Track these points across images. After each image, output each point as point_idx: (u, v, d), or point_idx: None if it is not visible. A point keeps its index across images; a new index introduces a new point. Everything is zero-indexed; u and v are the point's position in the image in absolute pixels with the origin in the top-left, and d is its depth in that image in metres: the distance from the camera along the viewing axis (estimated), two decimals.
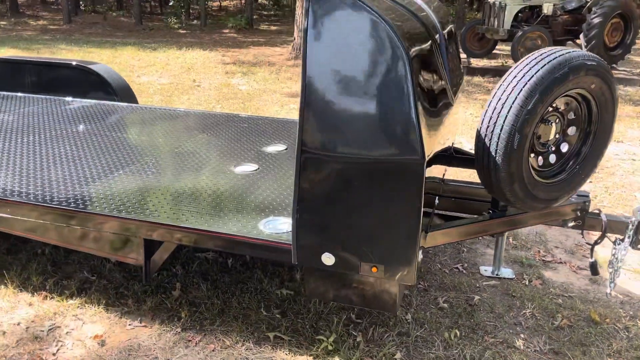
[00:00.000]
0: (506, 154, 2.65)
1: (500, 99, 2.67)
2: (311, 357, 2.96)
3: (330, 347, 3.01)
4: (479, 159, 2.79)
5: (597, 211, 3.40)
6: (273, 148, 4.26)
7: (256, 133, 4.65)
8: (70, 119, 4.82)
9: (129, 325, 3.17)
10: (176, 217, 2.94)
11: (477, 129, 2.78)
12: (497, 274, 3.82)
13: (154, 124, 4.78)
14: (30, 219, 3.11)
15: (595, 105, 2.87)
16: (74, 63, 5.65)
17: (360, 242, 2.57)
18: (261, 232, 2.83)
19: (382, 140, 2.44)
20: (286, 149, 4.22)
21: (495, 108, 2.68)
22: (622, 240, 3.32)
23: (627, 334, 3.28)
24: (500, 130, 2.65)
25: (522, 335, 3.25)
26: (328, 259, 2.64)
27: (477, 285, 3.72)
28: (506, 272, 3.86)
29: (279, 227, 2.90)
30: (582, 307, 3.54)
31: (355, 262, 2.61)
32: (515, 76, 2.67)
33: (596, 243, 3.39)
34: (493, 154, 2.68)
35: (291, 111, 8.40)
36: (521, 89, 2.61)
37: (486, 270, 3.89)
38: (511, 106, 2.62)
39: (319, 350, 3.00)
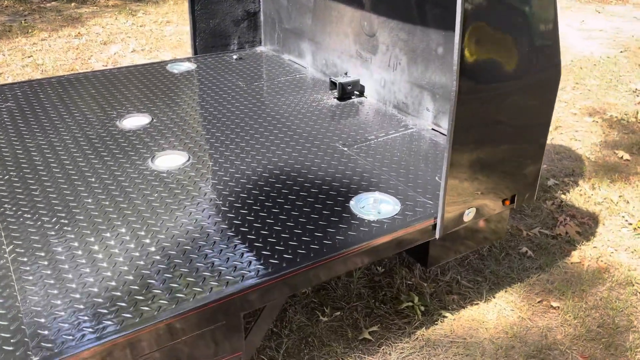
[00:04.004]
0: None
1: None
2: (421, 328, 2.60)
3: (422, 308, 2.70)
4: None
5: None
6: (132, 122, 3.00)
7: (71, 103, 3.12)
8: None
9: None
10: (270, 264, 1.92)
11: None
12: None
13: None
14: None
15: None
16: None
17: (501, 180, 2.30)
18: (386, 222, 2.16)
19: (533, 59, 2.13)
20: (153, 120, 3.03)
21: None
22: None
23: None
24: None
25: None
26: (468, 215, 2.29)
27: None
28: None
29: (377, 205, 2.27)
30: None
31: (494, 204, 2.34)
32: None
33: None
34: None
35: None
36: None
37: None
38: None
39: (420, 316, 2.65)
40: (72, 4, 8.58)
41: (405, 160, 2.64)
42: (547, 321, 2.66)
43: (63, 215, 2.17)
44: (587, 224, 3.45)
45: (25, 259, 1.92)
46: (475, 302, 2.77)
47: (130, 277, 1.84)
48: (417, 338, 2.55)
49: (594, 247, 3.24)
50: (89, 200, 2.26)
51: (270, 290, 1.86)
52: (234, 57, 4.10)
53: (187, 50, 6.63)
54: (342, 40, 3.48)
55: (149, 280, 1.83)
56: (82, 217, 2.15)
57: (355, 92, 3.39)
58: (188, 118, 3.06)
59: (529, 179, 2.41)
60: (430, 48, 2.85)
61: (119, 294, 1.77)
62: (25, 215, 2.16)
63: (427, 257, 2.37)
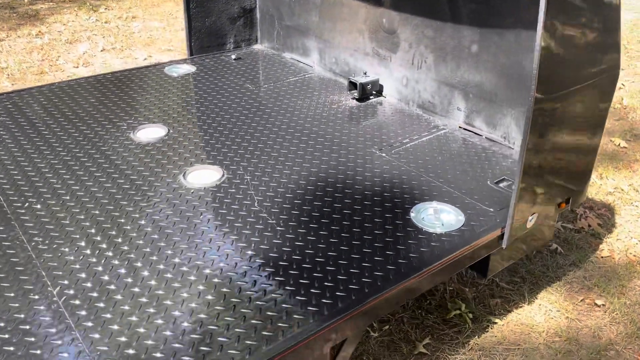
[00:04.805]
0: None
1: None
2: (473, 337, 2.53)
3: (470, 315, 2.62)
4: None
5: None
6: (148, 134, 2.79)
7: (72, 114, 2.86)
8: None
9: None
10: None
11: None
12: None
13: None
14: None
15: None
16: None
17: (561, 183, 2.24)
18: (456, 235, 2.05)
19: (600, 61, 2.06)
20: (170, 131, 2.82)
21: None
22: None
23: None
24: None
25: None
26: (531, 221, 2.21)
27: None
28: None
29: (439, 215, 2.16)
30: None
31: (551, 208, 2.28)
32: None
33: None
34: None
35: None
36: None
37: None
38: None
39: (470, 324, 2.58)
40: (26, 0, 8.04)
41: (449, 164, 2.54)
42: (595, 320, 2.63)
43: (104, 246, 1.96)
44: (605, 215, 3.46)
45: (78, 302, 1.71)
46: (520, 305, 2.72)
47: (203, 316, 1.67)
48: (471, 348, 2.48)
49: (618, 239, 3.24)
50: (128, 227, 2.06)
51: (357, 319, 1.73)
52: (233, 57, 3.89)
53: (160, 47, 6.32)
54: (356, 37, 3.34)
55: (226, 318, 1.66)
56: (126, 248, 1.95)
57: (374, 91, 3.27)
58: (206, 127, 2.86)
59: (583, 180, 2.36)
60: (462, 45, 2.75)
61: (197, 336, 1.60)
62: (63, 249, 1.94)
63: (487, 267, 2.29)
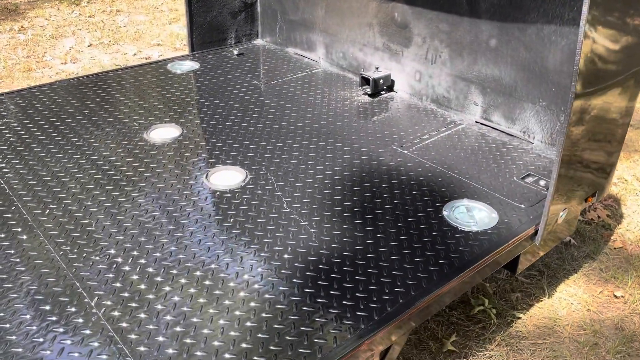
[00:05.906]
0: None
1: None
2: (499, 333, 2.53)
3: (494, 311, 2.62)
4: None
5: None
6: (161, 135, 2.71)
7: (80, 115, 2.77)
8: None
9: None
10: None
11: None
12: None
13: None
14: None
15: None
16: None
17: (590, 178, 2.24)
18: (492, 233, 2.04)
19: (634, 53, 2.06)
20: (184, 131, 2.75)
21: None
22: None
23: None
24: None
25: None
26: (562, 216, 2.21)
27: None
28: None
29: (472, 213, 2.14)
30: None
31: (579, 202, 2.28)
32: None
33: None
34: None
35: None
36: None
37: None
38: None
39: (495, 319, 2.58)
40: None
41: (472, 160, 2.53)
42: (617, 312, 2.66)
43: (136, 254, 1.89)
44: (613, 206, 3.50)
45: (117, 314, 1.65)
46: (540, 299, 2.73)
47: (250, 324, 1.62)
48: (498, 344, 2.48)
49: (628, 229, 3.28)
50: (158, 232, 1.99)
51: (407, 322, 1.70)
52: (235, 52, 3.81)
53: (149, 42, 6.18)
54: (365, 32, 3.29)
55: (275, 326, 1.62)
56: (159, 255, 1.89)
57: (385, 87, 3.23)
58: (220, 126, 2.79)
59: (608, 173, 2.37)
60: (480, 40, 2.73)
61: (248, 346, 1.55)
62: (93, 257, 1.87)
63: (516, 264, 2.28)
